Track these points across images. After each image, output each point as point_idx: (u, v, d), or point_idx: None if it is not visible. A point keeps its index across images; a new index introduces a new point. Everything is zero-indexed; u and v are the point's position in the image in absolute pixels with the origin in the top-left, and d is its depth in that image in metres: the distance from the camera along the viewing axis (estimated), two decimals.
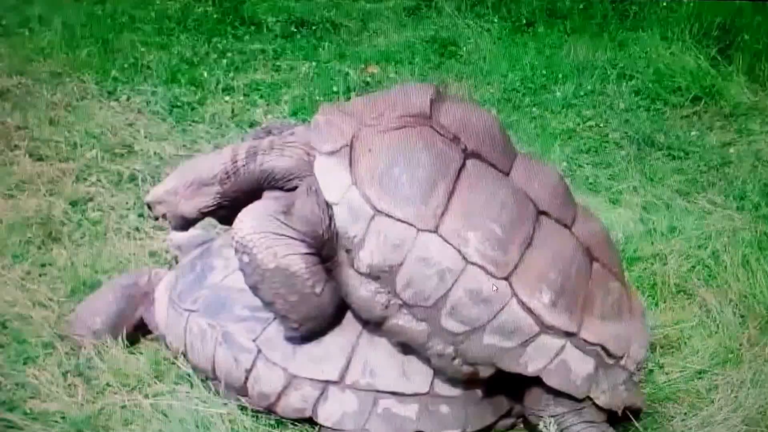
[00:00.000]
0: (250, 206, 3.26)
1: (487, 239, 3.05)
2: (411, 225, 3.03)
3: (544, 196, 3.24)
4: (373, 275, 3.10)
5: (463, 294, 3.04)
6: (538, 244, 3.14)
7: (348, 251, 3.14)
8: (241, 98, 6.34)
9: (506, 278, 3.07)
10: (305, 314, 3.18)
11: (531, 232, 3.14)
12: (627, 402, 3.28)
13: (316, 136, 3.24)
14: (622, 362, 3.25)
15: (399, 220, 3.04)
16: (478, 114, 3.36)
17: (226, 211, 3.45)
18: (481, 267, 3.04)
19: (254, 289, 3.19)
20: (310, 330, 3.24)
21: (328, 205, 3.15)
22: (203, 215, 3.51)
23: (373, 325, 3.26)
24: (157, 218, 3.57)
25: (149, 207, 3.56)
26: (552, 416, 3.26)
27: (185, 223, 3.54)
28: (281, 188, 3.44)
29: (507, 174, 3.23)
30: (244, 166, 3.40)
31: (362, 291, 3.15)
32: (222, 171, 3.42)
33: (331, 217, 3.17)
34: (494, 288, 3.05)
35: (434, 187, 3.06)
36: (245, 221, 3.16)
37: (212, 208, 3.47)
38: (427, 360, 3.26)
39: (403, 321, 3.15)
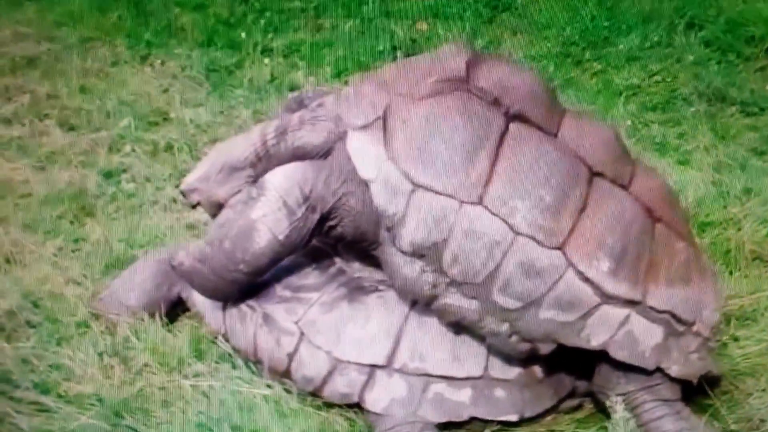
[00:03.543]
0: (295, 164, 3.31)
1: (536, 207, 2.99)
2: (453, 197, 2.99)
3: (597, 155, 3.16)
4: (417, 253, 3.07)
5: (514, 268, 2.99)
6: (593, 208, 3.07)
7: (389, 229, 3.12)
8: (281, 60, 6.30)
9: (560, 248, 3.01)
10: (210, 263, 3.27)
11: (584, 195, 3.07)
12: (702, 370, 3.19)
13: (346, 110, 3.23)
14: (694, 328, 3.16)
15: (440, 193, 3.00)
16: (519, 73, 3.29)
17: None
18: (532, 237, 2.99)
19: (227, 206, 3.34)
20: (193, 272, 3.33)
21: (342, 184, 3.19)
22: None
23: (422, 305, 3.24)
24: (194, 207, 3.62)
25: (183, 195, 3.61)
26: (620, 394, 3.19)
27: (220, 210, 3.55)
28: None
29: (555, 135, 3.17)
30: (274, 146, 3.41)
31: (407, 270, 3.13)
32: (252, 153, 3.44)
33: (336, 195, 3.21)
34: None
35: (475, 154, 3.02)
36: (281, 174, 3.26)
37: None
38: (482, 339, 3.23)
39: (452, 300, 3.12)
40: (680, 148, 5.23)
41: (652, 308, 3.09)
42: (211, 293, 3.40)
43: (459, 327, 3.25)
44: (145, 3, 6.95)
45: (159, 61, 6.15)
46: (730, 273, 4.17)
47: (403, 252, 3.10)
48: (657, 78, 6.08)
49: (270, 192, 3.22)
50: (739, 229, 4.39)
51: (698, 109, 5.67)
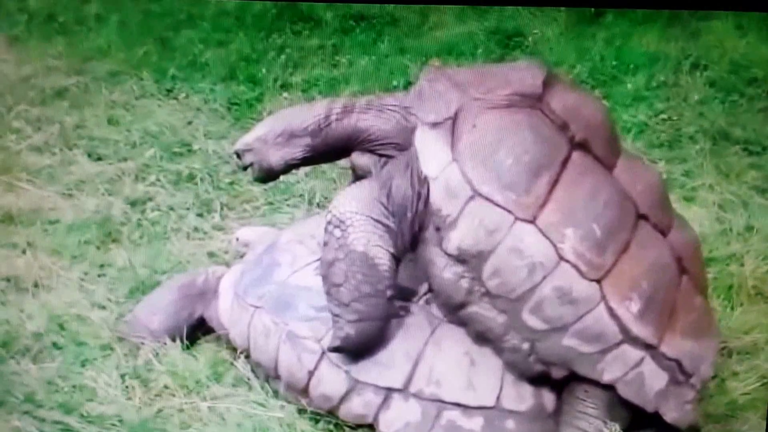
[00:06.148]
0: (356, 185, 3.29)
1: (585, 238, 3.01)
2: (509, 212, 3.00)
3: (645, 199, 3.18)
4: (461, 258, 3.07)
5: (551, 292, 3.01)
6: (635, 250, 3.09)
7: (438, 229, 3.11)
8: (299, 95, 6.35)
9: (598, 281, 3.03)
10: (366, 312, 3.16)
11: (629, 236, 3.09)
12: (692, 421, 3.23)
13: (419, 104, 3.21)
14: (692, 380, 3.20)
15: (497, 205, 3.00)
16: (589, 103, 3.31)
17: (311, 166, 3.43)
18: (575, 266, 3.00)
19: (330, 264, 3.17)
20: (361, 332, 3.19)
21: (423, 182, 3.12)
22: (289, 167, 3.53)
23: (451, 310, 3.24)
24: (245, 168, 3.57)
25: (238, 155, 3.57)
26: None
27: (271, 174, 3.55)
28: (372, 151, 3.43)
29: (611, 170, 3.18)
30: (337, 120, 3.40)
31: (446, 273, 3.13)
32: (314, 124, 3.42)
33: (422, 196, 3.14)
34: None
35: (538, 175, 3.02)
36: (349, 199, 3.20)
37: (299, 161, 3.49)
38: (499, 351, 3.23)
39: (482, 310, 3.13)
40: (685, 185, 5.24)
41: (663, 355, 3.11)
42: (379, 328, 3.25)
43: (479, 338, 3.25)
44: (171, 39, 7.02)
45: (183, 95, 6.21)
46: (732, 308, 4.18)
47: (446, 254, 3.10)
48: (663, 116, 6.09)
49: (354, 219, 3.16)
50: (742, 266, 4.40)
51: (703, 148, 5.67)
